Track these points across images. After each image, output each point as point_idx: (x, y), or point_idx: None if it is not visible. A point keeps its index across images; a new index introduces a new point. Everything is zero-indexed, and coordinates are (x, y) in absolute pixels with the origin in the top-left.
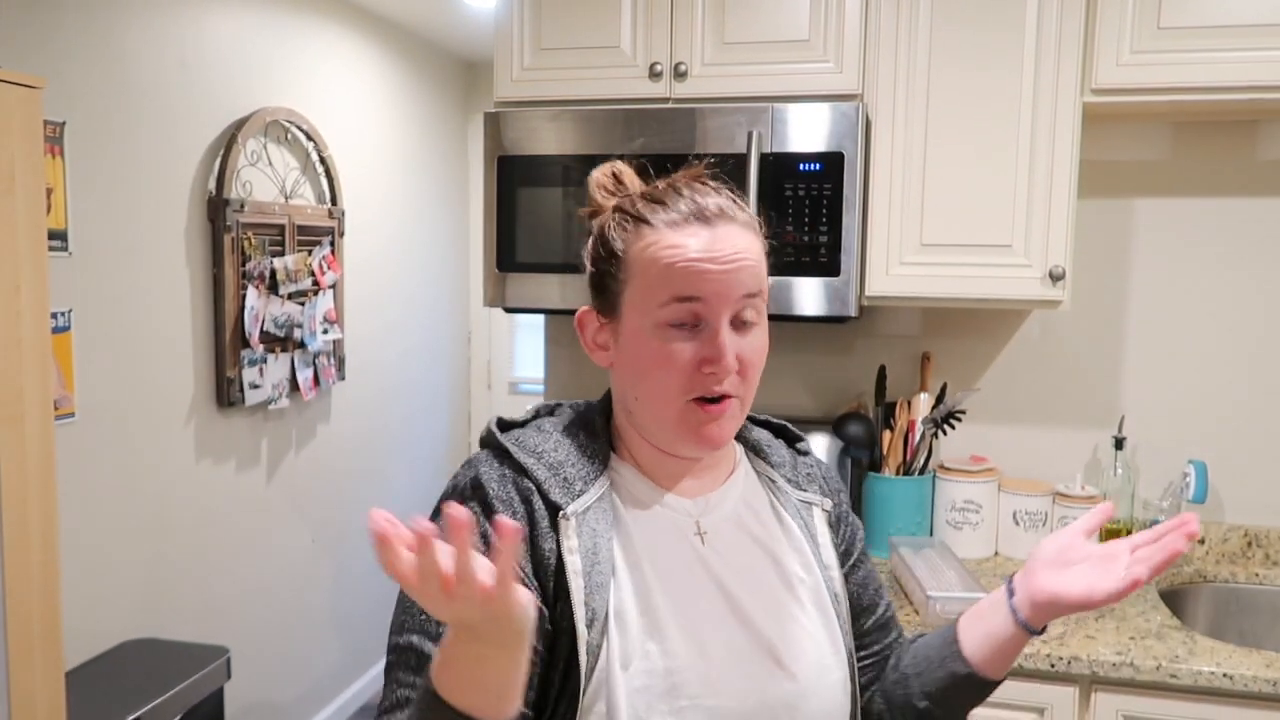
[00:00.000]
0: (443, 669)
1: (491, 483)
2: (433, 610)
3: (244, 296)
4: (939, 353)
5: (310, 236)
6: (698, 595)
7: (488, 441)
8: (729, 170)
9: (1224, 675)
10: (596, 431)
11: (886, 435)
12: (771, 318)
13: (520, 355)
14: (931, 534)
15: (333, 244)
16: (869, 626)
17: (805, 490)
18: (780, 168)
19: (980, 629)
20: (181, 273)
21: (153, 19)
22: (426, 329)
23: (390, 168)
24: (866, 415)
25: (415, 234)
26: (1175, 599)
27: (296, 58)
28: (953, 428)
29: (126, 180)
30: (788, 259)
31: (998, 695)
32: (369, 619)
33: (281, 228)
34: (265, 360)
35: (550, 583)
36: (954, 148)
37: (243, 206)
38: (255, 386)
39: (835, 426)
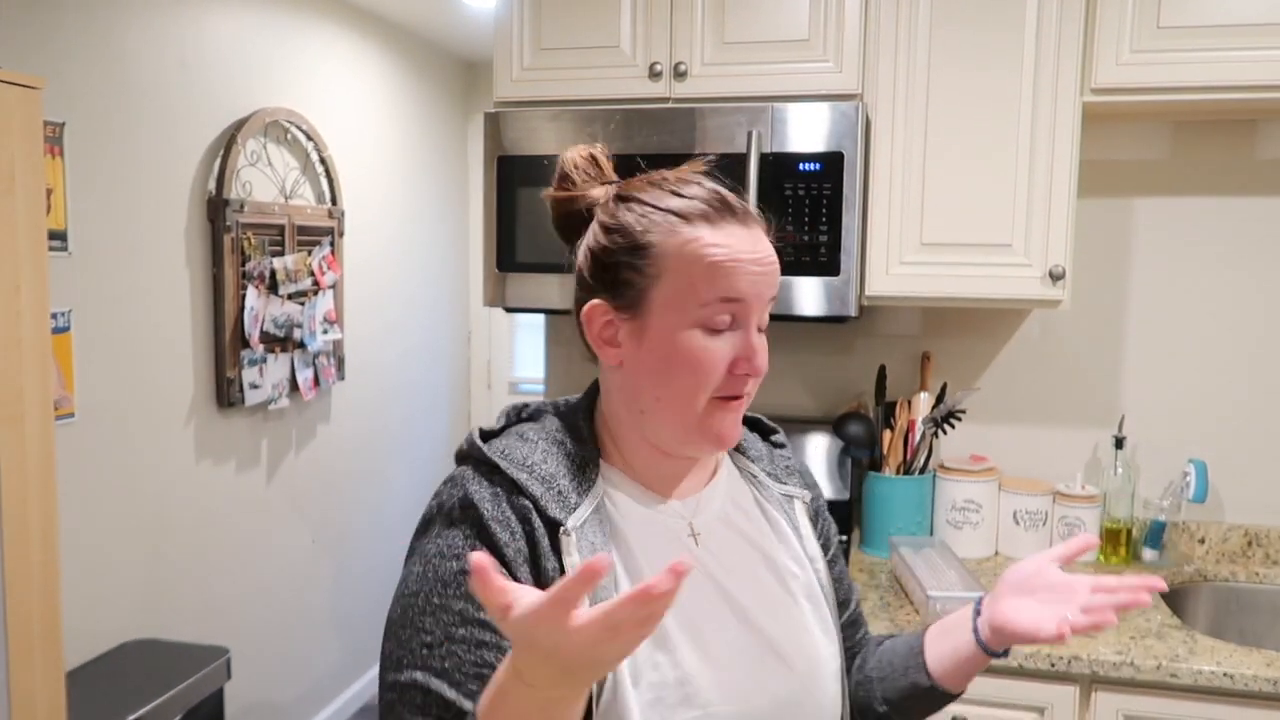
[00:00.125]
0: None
1: (484, 502)
2: (601, 648)
3: (244, 297)
4: (939, 352)
5: (310, 237)
6: (698, 599)
7: (470, 455)
8: (729, 170)
9: (1224, 674)
10: (584, 438)
11: (887, 435)
12: (771, 317)
13: (520, 355)
14: (932, 534)
15: (332, 244)
16: (844, 621)
17: (785, 483)
18: (780, 167)
19: (945, 644)
20: (181, 273)
21: (153, 19)
22: (426, 329)
23: (390, 168)
24: (866, 415)
25: (415, 234)
26: (1175, 598)
27: (296, 58)
28: (953, 427)
29: (126, 180)
30: (787, 259)
31: (998, 695)
32: (369, 619)
33: (281, 228)
34: (265, 360)
35: None
36: (954, 147)
37: (243, 207)
38: (255, 387)
39: (835, 426)
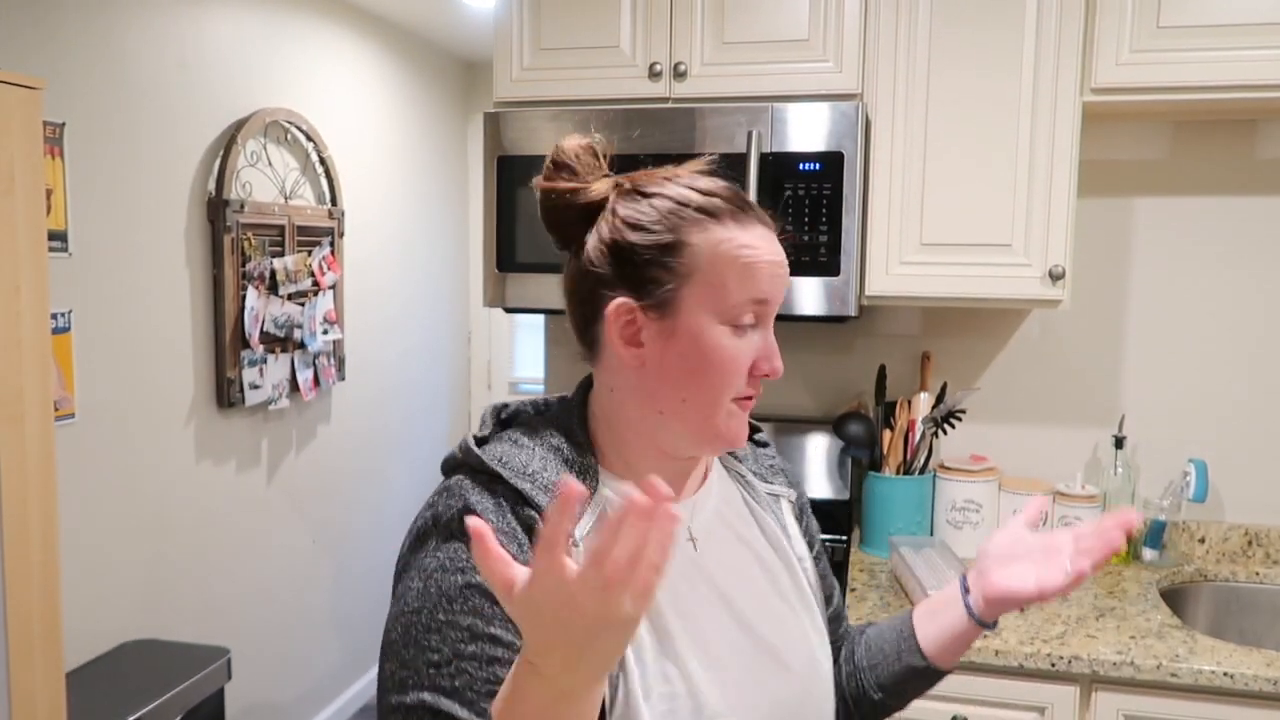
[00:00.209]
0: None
1: (488, 513)
2: (606, 602)
3: (244, 297)
4: (939, 352)
5: (310, 237)
6: (700, 604)
7: (465, 464)
8: (729, 170)
9: (1224, 674)
10: (581, 443)
11: (887, 435)
12: None
13: (520, 355)
14: (932, 533)
15: (332, 244)
16: (828, 617)
17: (771, 483)
18: (780, 167)
19: (936, 625)
20: (181, 273)
21: (153, 19)
22: (426, 329)
23: (390, 168)
24: (867, 415)
25: (415, 234)
26: (1175, 598)
27: (296, 58)
28: (953, 427)
29: (126, 181)
30: (787, 259)
31: (998, 695)
32: (369, 619)
33: (281, 228)
34: (265, 361)
35: None
36: (954, 147)
37: (242, 207)
38: (255, 387)
39: (835, 426)
